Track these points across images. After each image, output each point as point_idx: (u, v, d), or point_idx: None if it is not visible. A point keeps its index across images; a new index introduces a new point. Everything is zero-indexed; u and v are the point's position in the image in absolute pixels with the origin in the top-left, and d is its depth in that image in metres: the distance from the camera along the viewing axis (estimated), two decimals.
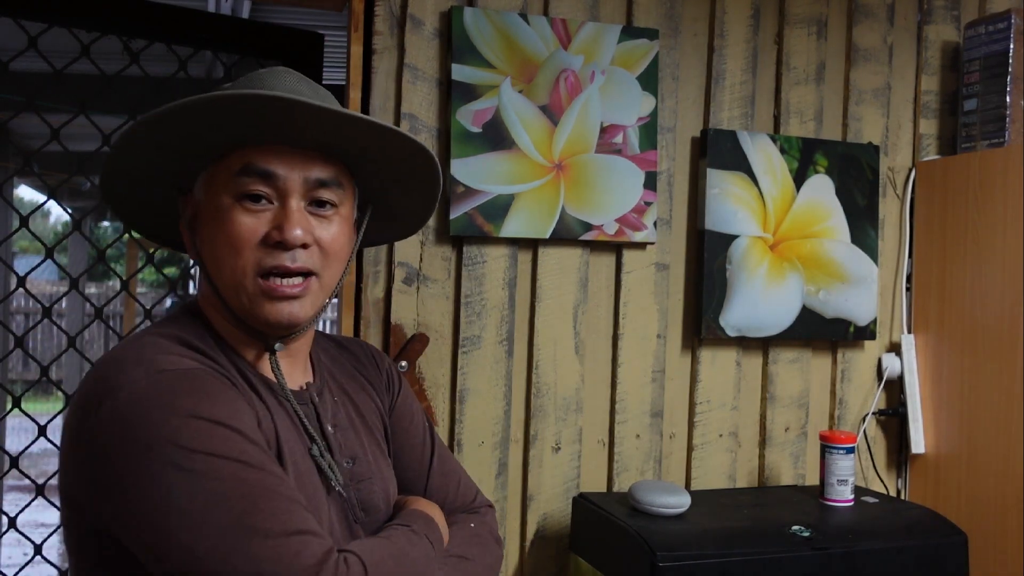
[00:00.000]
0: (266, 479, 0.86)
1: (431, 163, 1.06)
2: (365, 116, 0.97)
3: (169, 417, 0.85)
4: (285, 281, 0.96)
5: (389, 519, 1.07)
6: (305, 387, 1.06)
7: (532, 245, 1.85)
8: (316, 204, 0.99)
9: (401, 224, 1.20)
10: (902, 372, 2.08)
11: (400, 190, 1.11)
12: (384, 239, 1.26)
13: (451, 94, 1.77)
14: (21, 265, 10.58)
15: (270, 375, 1.02)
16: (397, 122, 1.77)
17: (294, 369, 1.06)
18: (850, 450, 1.82)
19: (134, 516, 0.85)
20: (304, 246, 0.96)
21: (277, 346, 1.00)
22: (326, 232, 0.99)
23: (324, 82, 2.19)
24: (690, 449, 1.97)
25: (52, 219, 15.98)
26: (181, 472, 0.83)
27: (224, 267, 0.96)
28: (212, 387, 0.90)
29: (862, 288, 2.03)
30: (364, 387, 1.17)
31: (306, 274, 0.97)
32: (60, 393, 2.15)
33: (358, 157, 1.03)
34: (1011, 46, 1.96)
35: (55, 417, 1.81)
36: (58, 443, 0.97)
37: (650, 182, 1.88)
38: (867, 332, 2.04)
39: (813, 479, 2.02)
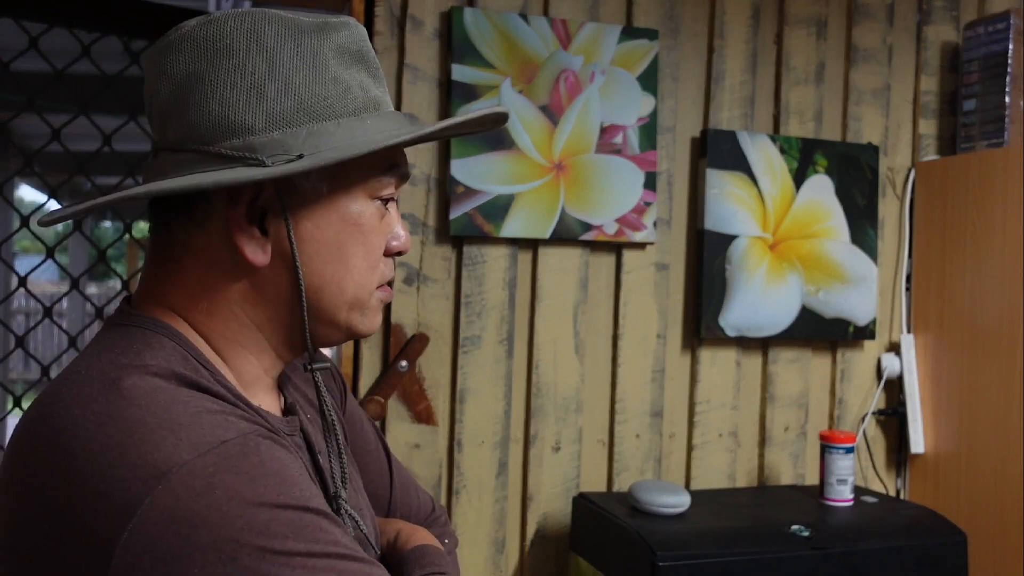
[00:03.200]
0: (365, 569, 0.68)
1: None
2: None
3: (250, 510, 0.63)
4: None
5: (381, 555, 0.93)
6: (289, 410, 0.86)
7: (532, 245, 1.85)
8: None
9: None
10: (901, 372, 2.08)
11: None
12: None
13: (451, 94, 1.77)
14: (22, 265, 10.59)
15: (269, 407, 0.81)
16: None
17: (275, 392, 0.84)
18: (850, 450, 1.82)
19: None
20: None
21: (322, 366, 0.84)
22: None
23: None
24: (690, 449, 1.97)
25: None
26: None
27: (347, 281, 0.77)
28: (278, 457, 0.68)
29: (862, 288, 2.03)
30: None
31: None
32: None
33: None
34: (1010, 46, 1.96)
35: None
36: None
37: (650, 182, 1.88)
38: (867, 332, 2.04)
39: (813, 479, 2.02)
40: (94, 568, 0.61)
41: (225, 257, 0.75)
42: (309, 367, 0.83)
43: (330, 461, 0.85)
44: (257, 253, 0.74)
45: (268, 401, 0.81)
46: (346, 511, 0.83)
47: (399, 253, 0.82)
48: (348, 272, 0.77)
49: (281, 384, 0.87)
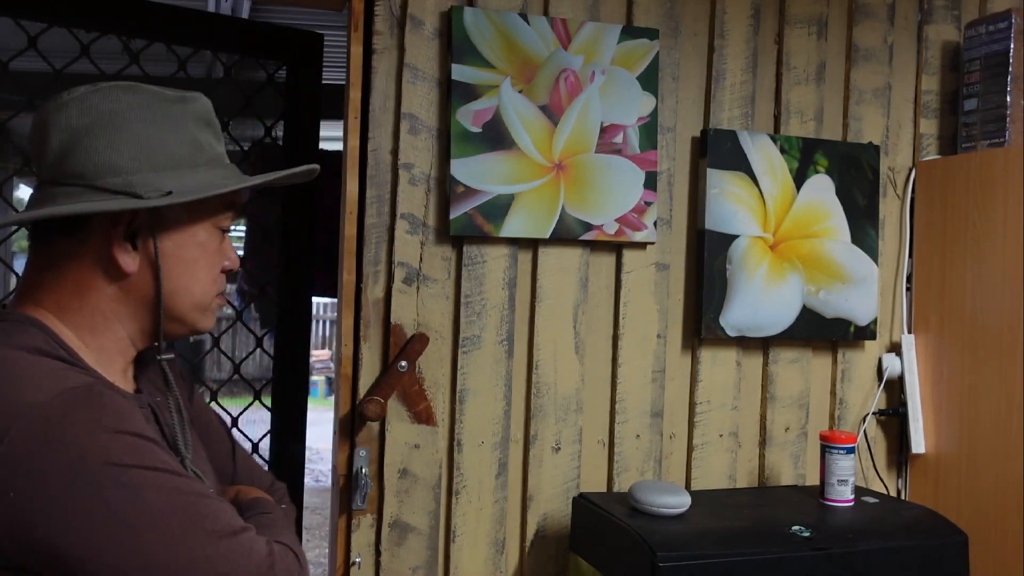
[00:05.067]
0: (194, 485, 0.91)
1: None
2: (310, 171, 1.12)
3: (94, 434, 0.85)
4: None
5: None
6: (140, 391, 1.06)
7: (532, 245, 1.85)
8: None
9: None
10: (902, 372, 2.08)
11: None
12: None
13: (451, 94, 1.76)
14: (21, 265, 10.58)
15: (123, 386, 1.01)
16: (397, 122, 1.77)
17: (127, 375, 1.05)
18: (850, 450, 1.81)
19: (72, 543, 0.83)
20: None
21: (168, 356, 1.07)
22: None
23: (324, 82, 2.19)
24: (690, 449, 1.97)
25: None
26: (121, 488, 0.84)
27: (195, 288, 1.03)
28: (117, 400, 0.90)
29: (862, 288, 2.03)
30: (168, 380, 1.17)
31: None
32: None
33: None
34: (1011, 46, 1.96)
35: None
36: None
37: (650, 182, 1.88)
38: (867, 332, 2.04)
39: (813, 479, 2.02)
40: None
41: (102, 266, 0.98)
42: (159, 357, 1.05)
43: (176, 432, 1.06)
44: (129, 263, 0.98)
45: (122, 380, 1.02)
46: (191, 469, 1.03)
47: (231, 271, 1.08)
48: (196, 282, 1.03)
49: (137, 374, 1.08)
